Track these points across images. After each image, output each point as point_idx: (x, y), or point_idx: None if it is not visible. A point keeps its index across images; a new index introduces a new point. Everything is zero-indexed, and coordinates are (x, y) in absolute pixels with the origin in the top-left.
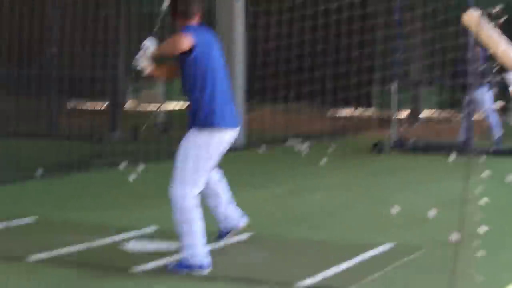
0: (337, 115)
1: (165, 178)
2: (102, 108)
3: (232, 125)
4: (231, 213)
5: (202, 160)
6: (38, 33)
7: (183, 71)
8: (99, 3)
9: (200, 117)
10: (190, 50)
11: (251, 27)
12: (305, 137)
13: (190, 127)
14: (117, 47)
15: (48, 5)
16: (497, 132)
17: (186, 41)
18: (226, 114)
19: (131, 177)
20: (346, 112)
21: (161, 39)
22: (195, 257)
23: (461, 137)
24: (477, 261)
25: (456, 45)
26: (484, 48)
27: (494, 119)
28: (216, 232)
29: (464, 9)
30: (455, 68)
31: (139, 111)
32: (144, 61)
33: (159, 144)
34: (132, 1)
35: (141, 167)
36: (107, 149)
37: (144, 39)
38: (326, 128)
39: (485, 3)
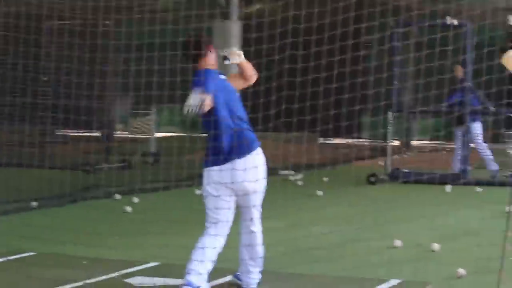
0: (327, 144)
1: (159, 210)
2: (94, 138)
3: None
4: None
5: None
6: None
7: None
8: (97, 34)
9: None
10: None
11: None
12: (297, 166)
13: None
14: (111, 78)
15: (43, 33)
16: (493, 165)
17: None
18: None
19: (127, 209)
20: (336, 141)
21: None
22: None
23: (455, 167)
24: None
25: (453, 76)
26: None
27: (487, 152)
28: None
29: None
30: (449, 99)
31: (131, 140)
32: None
33: (153, 175)
34: (128, 35)
35: (135, 198)
36: (100, 179)
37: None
38: (317, 158)
39: None
